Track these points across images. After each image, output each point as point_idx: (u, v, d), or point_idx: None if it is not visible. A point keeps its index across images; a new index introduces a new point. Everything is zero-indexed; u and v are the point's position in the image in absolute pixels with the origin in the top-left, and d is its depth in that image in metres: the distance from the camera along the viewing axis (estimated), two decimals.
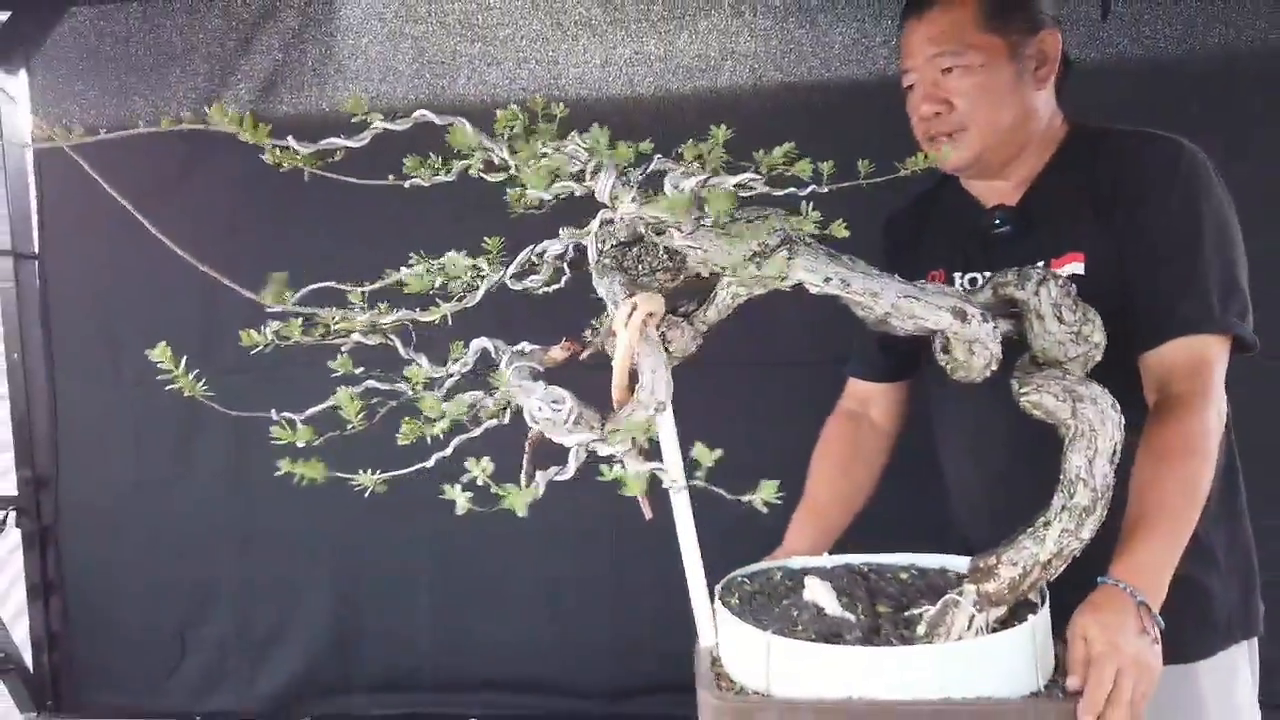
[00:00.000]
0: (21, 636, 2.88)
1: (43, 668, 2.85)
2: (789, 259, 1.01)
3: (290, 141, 0.89)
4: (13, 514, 2.82)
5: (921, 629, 1.11)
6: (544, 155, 0.94)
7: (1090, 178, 1.41)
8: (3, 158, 2.77)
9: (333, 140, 0.92)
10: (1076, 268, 1.39)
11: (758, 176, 0.96)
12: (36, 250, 2.80)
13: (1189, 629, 1.35)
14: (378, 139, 2.82)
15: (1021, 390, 1.14)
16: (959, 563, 1.28)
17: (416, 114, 0.96)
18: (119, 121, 2.73)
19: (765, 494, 0.92)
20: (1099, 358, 1.16)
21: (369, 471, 1.06)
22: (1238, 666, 1.44)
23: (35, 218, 2.80)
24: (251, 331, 1.13)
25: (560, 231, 1.05)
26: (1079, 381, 1.13)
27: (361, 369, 1.09)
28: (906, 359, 1.61)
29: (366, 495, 1.06)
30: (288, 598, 2.73)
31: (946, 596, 1.13)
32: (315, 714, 2.75)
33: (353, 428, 1.01)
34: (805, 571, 1.30)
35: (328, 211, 2.57)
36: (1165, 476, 1.23)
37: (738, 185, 0.96)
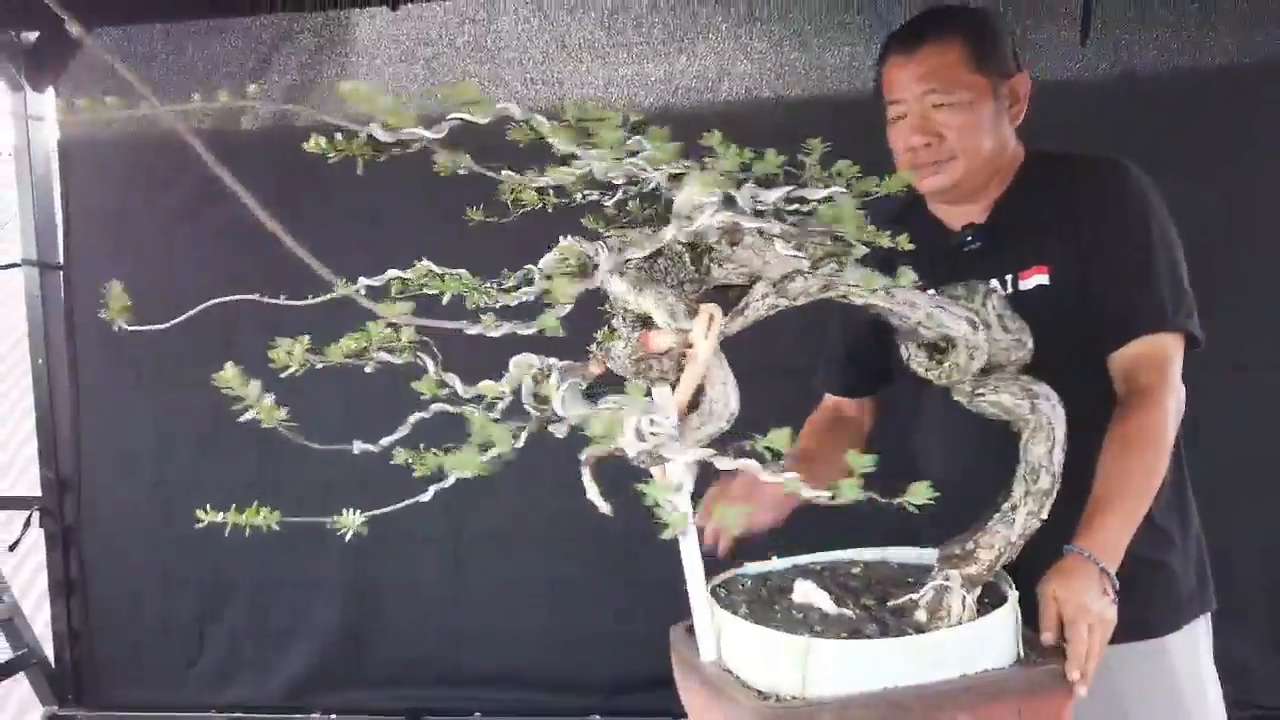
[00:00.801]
0: (43, 632, 2.97)
1: (64, 662, 2.94)
2: (840, 270, 1.05)
3: (372, 129, 0.81)
4: (36, 514, 2.91)
5: (922, 615, 1.18)
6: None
7: (1049, 197, 1.53)
8: (30, 171, 2.87)
9: (415, 131, 0.86)
10: (1042, 279, 1.50)
11: (845, 190, 0.98)
12: (61, 261, 2.89)
13: (1157, 607, 1.50)
14: (403, 150, 2.86)
15: (978, 392, 1.22)
16: (895, 554, 1.37)
17: (499, 106, 0.89)
18: (141, 138, 2.82)
19: (916, 496, 0.89)
20: (1029, 360, 1.26)
21: (353, 511, 0.99)
22: (1200, 638, 1.57)
23: (60, 229, 2.90)
24: (281, 351, 1.02)
25: (564, 239, 1.02)
26: (1030, 381, 1.23)
27: (446, 388, 1.02)
28: (875, 375, 1.70)
29: (347, 538, 0.99)
30: (301, 595, 2.81)
31: (934, 583, 1.20)
32: (326, 707, 2.83)
33: (499, 455, 0.91)
34: (766, 576, 1.34)
35: (354, 225, 2.66)
36: (1129, 462, 1.36)
37: (825, 198, 0.97)
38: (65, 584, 2.93)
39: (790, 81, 2.54)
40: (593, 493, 1.02)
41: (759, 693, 1.09)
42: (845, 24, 2.50)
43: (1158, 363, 1.43)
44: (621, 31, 2.56)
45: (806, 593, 1.22)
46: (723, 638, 1.17)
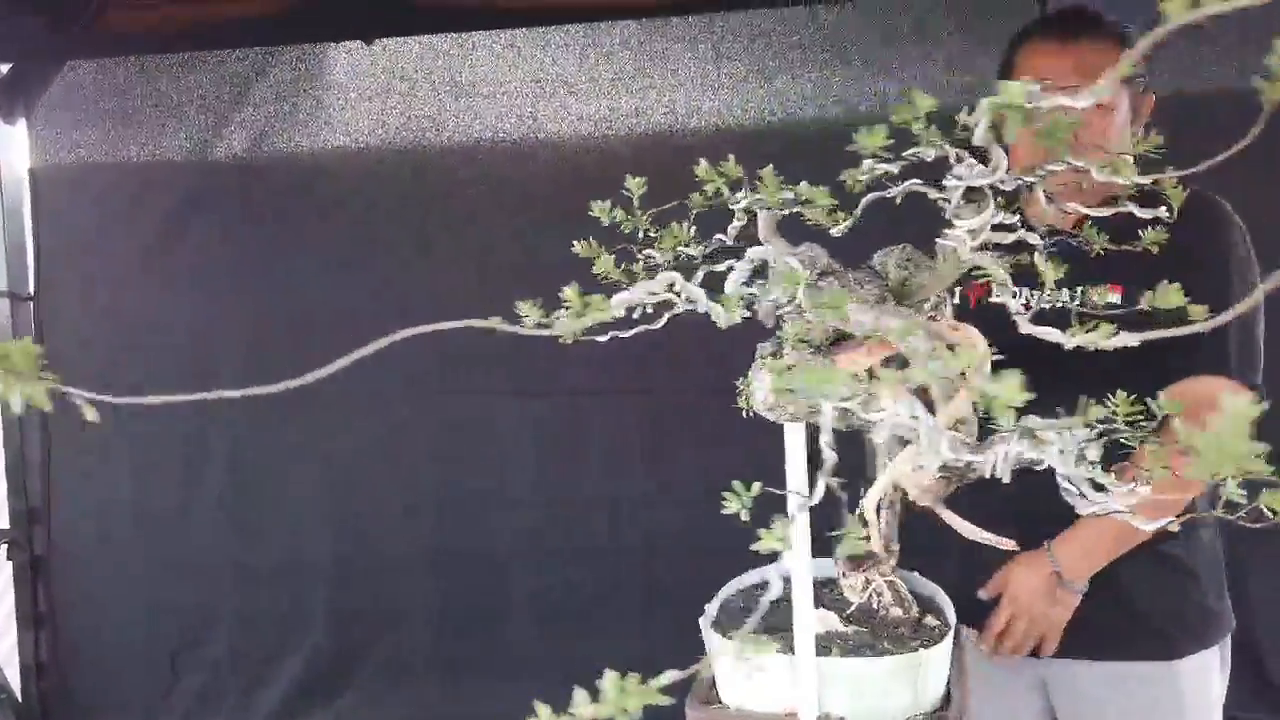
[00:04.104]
0: (11, 666, 2.84)
1: (31, 696, 2.81)
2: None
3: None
4: (4, 547, 2.79)
5: (898, 611, 1.16)
6: None
7: (1136, 220, 1.50)
8: (1, 201, 2.78)
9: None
10: (1114, 297, 1.46)
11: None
12: (32, 292, 2.80)
13: (1169, 631, 1.51)
14: (367, 179, 2.82)
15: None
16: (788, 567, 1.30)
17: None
18: (113, 169, 2.75)
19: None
20: None
21: None
22: (1212, 666, 1.55)
23: (31, 259, 2.80)
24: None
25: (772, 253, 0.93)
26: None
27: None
28: None
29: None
30: (282, 623, 2.72)
31: (882, 580, 1.17)
32: None
33: None
34: (724, 609, 1.22)
35: (324, 256, 2.61)
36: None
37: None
38: (34, 616, 2.80)
39: (756, 115, 2.54)
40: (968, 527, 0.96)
41: None
42: (808, 60, 2.51)
43: (1202, 404, 1.38)
44: (594, 67, 2.55)
45: (822, 619, 1.15)
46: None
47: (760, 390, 0.95)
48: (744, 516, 0.84)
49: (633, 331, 0.85)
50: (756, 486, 0.84)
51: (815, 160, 1.16)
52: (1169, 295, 0.93)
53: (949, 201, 0.94)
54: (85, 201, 2.76)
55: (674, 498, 2.53)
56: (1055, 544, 1.43)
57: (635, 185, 1.03)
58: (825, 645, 1.09)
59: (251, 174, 2.67)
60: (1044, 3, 2.33)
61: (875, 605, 1.18)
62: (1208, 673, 1.54)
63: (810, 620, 1.00)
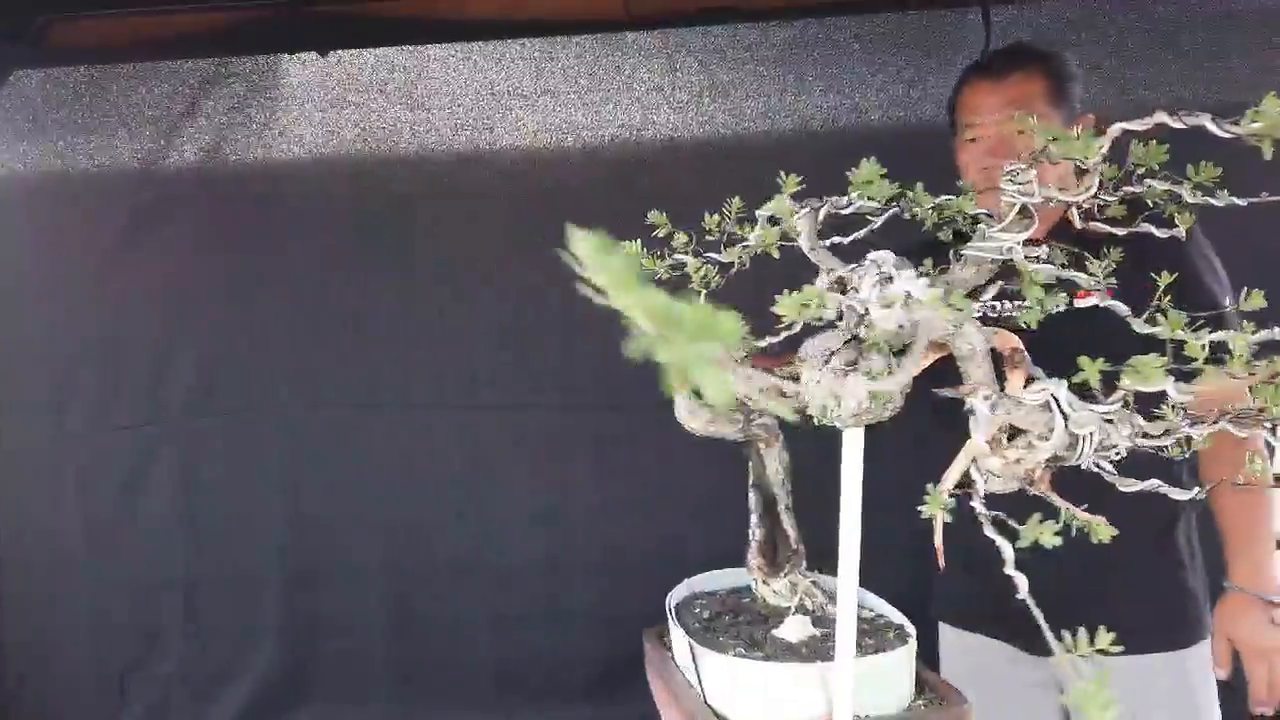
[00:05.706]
0: None
1: None
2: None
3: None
4: None
5: (831, 608, 1.15)
6: None
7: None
8: None
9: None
10: (1098, 302, 1.51)
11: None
12: None
13: (1179, 623, 1.60)
14: (321, 190, 2.77)
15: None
16: (700, 583, 1.29)
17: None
18: (64, 181, 2.67)
19: None
20: None
21: None
22: (1207, 657, 1.63)
23: None
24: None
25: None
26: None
27: None
28: None
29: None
30: (235, 638, 2.66)
31: (804, 583, 1.19)
32: None
33: None
34: (688, 626, 1.21)
35: (277, 267, 2.57)
36: (1257, 494, 1.49)
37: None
38: None
39: (709, 128, 2.56)
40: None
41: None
42: (760, 76, 2.53)
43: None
44: (550, 77, 2.54)
45: (800, 625, 1.14)
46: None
47: (853, 398, 0.91)
48: (944, 518, 0.86)
49: (784, 335, 0.88)
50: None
51: (768, 173, 1.18)
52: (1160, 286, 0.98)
53: (992, 216, 0.99)
54: (34, 212, 2.69)
55: (622, 511, 2.53)
56: (1236, 579, 1.52)
57: (790, 183, 1.01)
58: (811, 650, 1.07)
59: (204, 185, 2.62)
60: (989, 23, 2.38)
61: (811, 606, 1.18)
62: (1206, 661, 1.61)
63: (852, 626, 0.98)
